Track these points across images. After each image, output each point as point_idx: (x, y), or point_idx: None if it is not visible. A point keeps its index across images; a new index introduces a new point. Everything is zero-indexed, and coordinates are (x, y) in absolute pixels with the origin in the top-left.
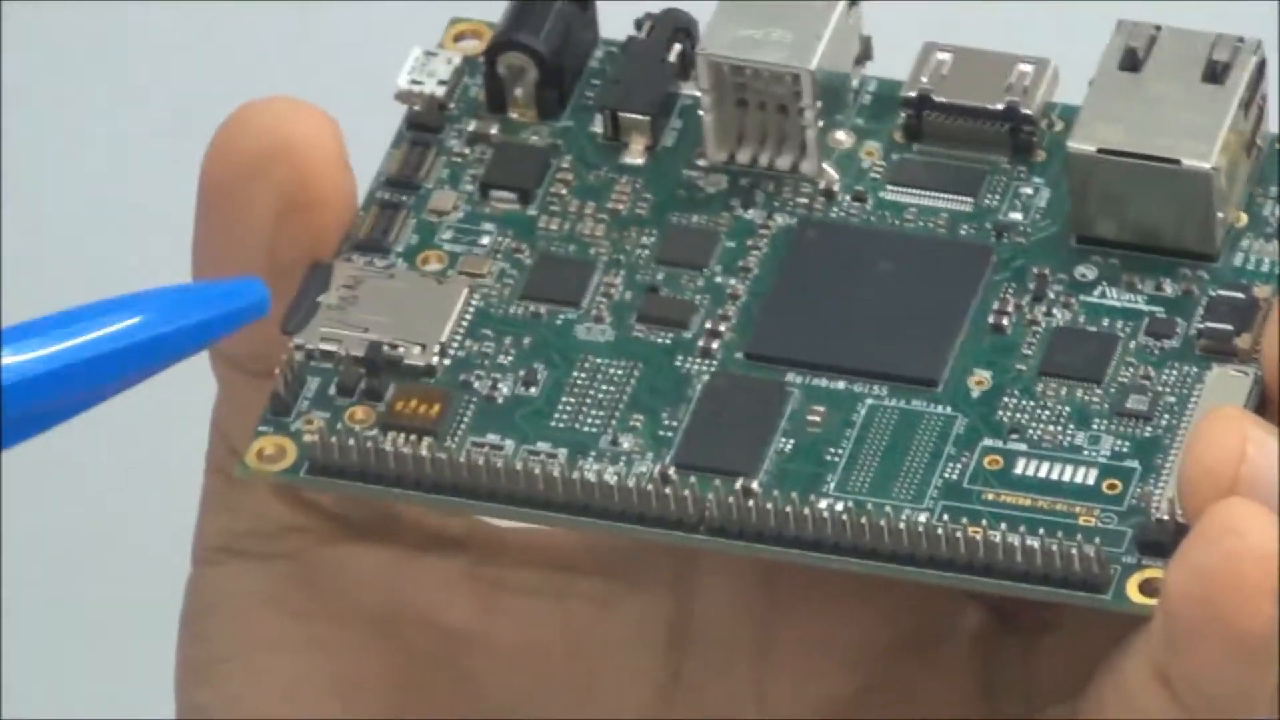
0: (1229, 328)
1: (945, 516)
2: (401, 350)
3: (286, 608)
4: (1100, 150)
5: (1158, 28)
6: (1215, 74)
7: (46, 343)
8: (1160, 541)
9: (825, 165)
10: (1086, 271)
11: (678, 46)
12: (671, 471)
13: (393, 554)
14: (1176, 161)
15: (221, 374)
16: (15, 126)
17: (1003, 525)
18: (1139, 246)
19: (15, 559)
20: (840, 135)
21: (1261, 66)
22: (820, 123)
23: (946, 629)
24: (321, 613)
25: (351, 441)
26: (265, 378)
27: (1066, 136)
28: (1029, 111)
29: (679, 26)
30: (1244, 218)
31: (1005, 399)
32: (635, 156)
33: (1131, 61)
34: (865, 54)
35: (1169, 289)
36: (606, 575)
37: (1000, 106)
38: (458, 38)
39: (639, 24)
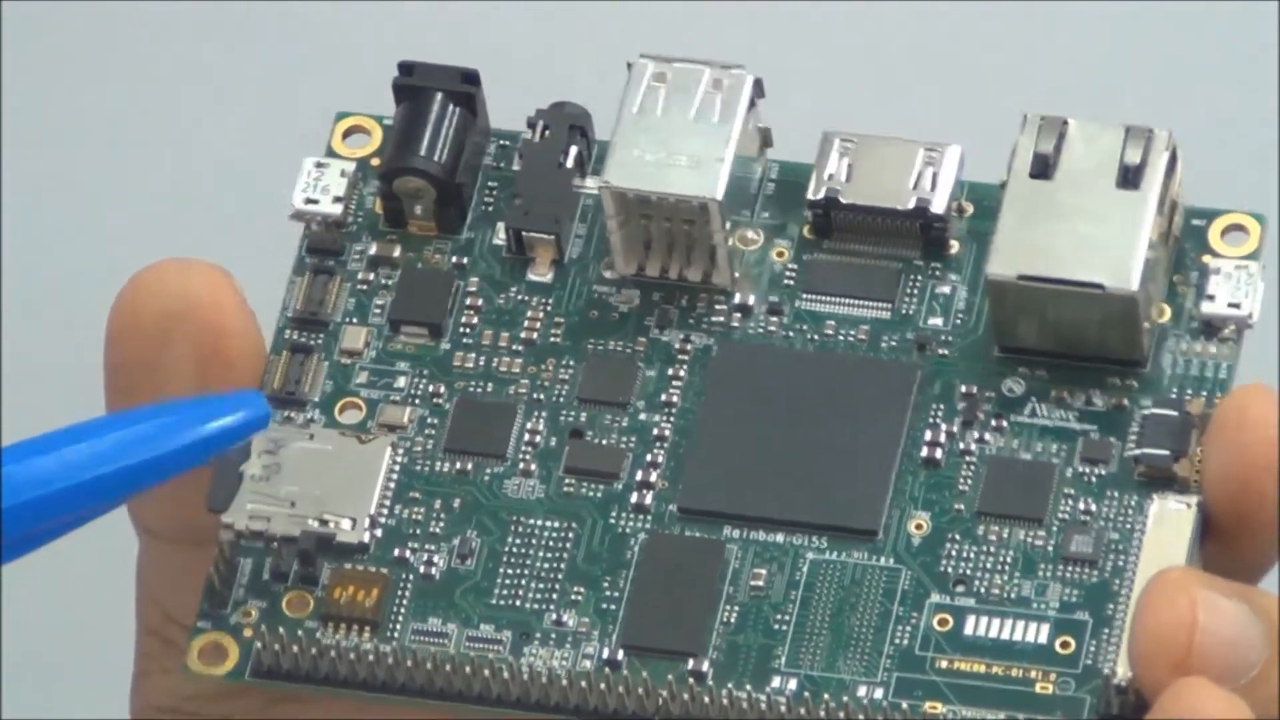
0: (1165, 453)
1: (899, 692)
2: (332, 526)
3: None
4: (1021, 277)
5: (1065, 122)
6: (1129, 178)
7: (47, 464)
8: (1121, 715)
9: (737, 274)
10: (1014, 386)
11: (574, 150)
12: (620, 655)
13: (346, 704)
14: (1100, 286)
15: (143, 540)
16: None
17: (961, 705)
18: (1064, 355)
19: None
20: (750, 234)
21: (1174, 156)
22: (728, 225)
23: None
24: None
25: (295, 645)
26: (188, 545)
27: (978, 224)
28: (939, 211)
29: (572, 124)
30: (1167, 311)
31: (947, 545)
32: (542, 273)
33: (1042, 167)
34: (766, 143)
35: (1099, 401)
36: None
37: (910, 206)
38: (346, 134)
39: (531, 124)
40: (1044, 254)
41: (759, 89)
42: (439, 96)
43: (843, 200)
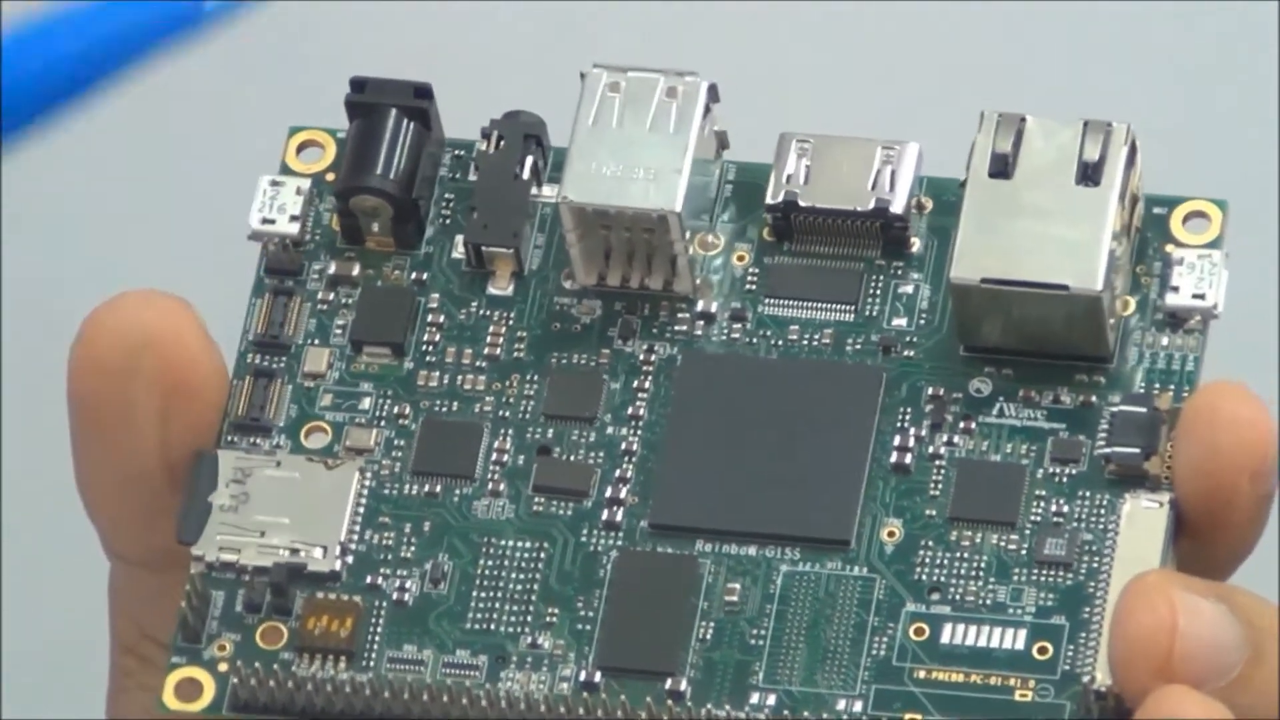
0: (1136, 451)
1: (878, 704)
2: (303, 555)
3: None
4: (984, 280)
5: (1023, 119)
6: (1088, 174)
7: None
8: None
9: (698, 281)
10: (981, 386)
11: (530, 160)
12: (597, 677)
13: None
14: (1065, 287)
15: (115, 564)
16: None
17: (941, 716)
18: (1030, 353)
19: (15, 554)
20: (710, 238)
21: (1134, 148)
22: (687, 235)
23: None
24: None
25: (270, 679)
26: (160, 569)
27: (939, 220)
28: (898, 211)
29: (527, 134)
30: (1131, 304)
31: (921, 552)
32: (503, 286)
33: (1001, 166)
34: (722, 145)
35: (1067, 399)
36: None
37: (869, 207)
38: (299, 149)
39: (485, 134)
40: (1006, 256)
41: (714, 94)
42: (392, 112)
43: (801, 203)
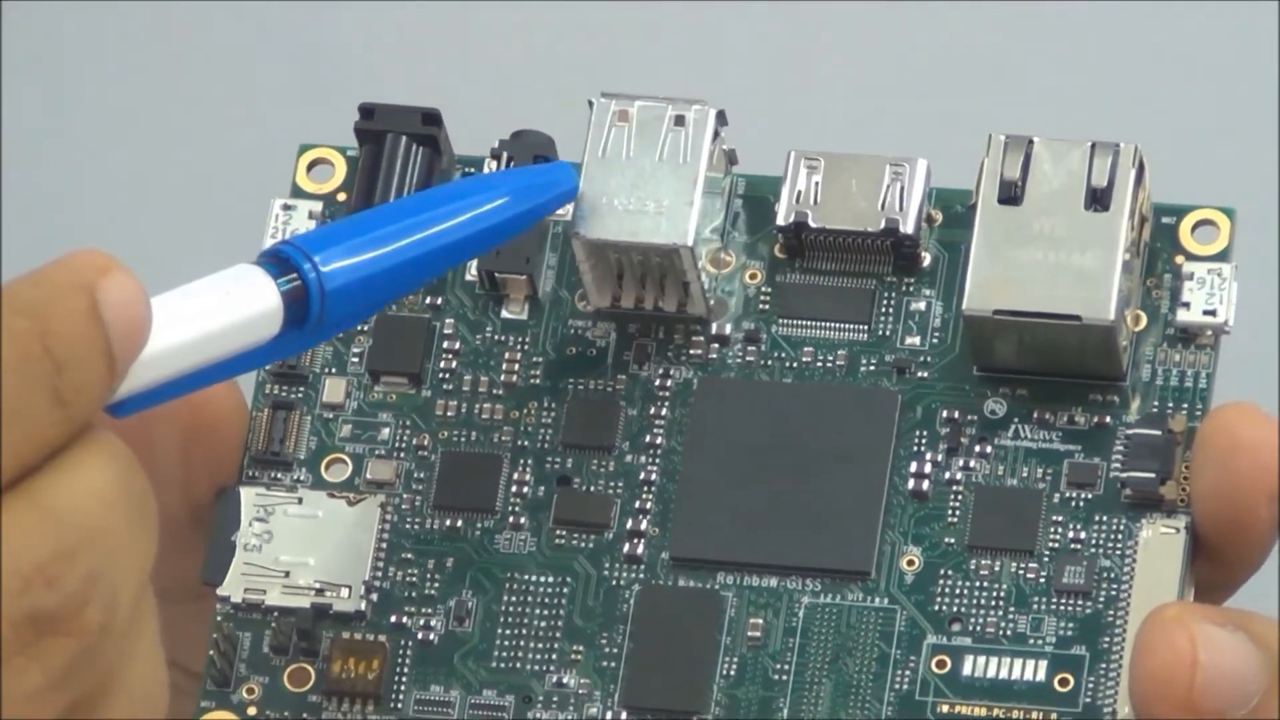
0: (1151, 476)
1: None
2: (328, 595)
3: None
4: (997, 312)
5: (1031, 141)
6: (1097, 198)
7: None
8: None
9: (712, 302)
10: (995, 407)
11: None
12: (623, 717)
13: None
14: (1077, 318)
15: None
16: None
17: None
18: (1043, 372)
19: None
20: (724, 256)
21: (1141, 168)
22: (700, 263)
23: None
24: None
25: None
26: (185, 602)
27: (948, 233)
28: (909, 231)
29: (536, 154)
30: (1143, 319)
31: (940, 581)
32: (517, 311)
33: (1010, 192)
34: (732, 161)
35: (1081, 420)
36: None
37: (879, 228)
38: (309, 167)
39: (495, 155)
40: (1017, 286)
41: (722, 119)
42: (402, 140)
43: (812, 224)
